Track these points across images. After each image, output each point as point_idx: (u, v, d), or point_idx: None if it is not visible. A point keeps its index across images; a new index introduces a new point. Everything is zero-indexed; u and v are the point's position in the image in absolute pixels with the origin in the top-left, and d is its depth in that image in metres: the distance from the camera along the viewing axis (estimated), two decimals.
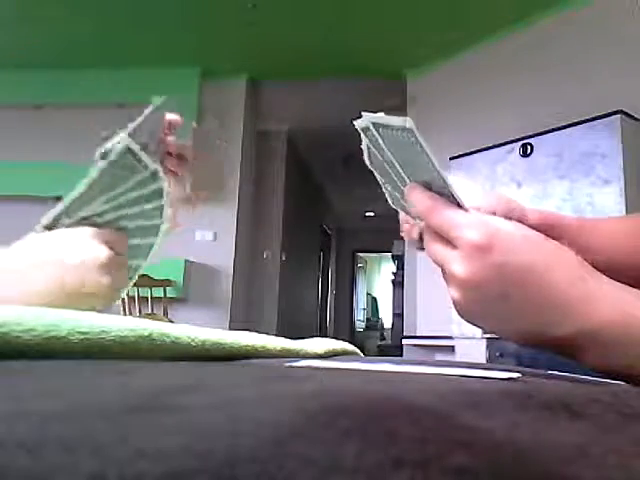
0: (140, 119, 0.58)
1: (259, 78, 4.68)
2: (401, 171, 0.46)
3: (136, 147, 0.54)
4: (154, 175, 0.56)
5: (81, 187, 0.53)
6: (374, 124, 0.43)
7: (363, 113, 0.43)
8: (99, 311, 0.69)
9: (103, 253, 0.53)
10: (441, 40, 3.86)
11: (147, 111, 0.59)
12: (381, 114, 0.42)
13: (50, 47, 4.15)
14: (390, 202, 0.52)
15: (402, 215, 0.54)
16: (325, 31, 3.91)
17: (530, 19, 3.52)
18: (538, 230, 0.44)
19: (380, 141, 0.44)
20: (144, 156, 0.55)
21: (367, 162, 0.48)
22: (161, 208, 0.58)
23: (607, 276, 0.41)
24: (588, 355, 0.39)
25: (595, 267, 0.41)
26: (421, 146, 0.41)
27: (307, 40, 4.06)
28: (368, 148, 0.47)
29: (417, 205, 0.44)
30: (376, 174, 0.49)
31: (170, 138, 0.64)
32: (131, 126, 0.56)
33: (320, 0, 3.55)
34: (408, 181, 0.46)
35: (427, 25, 3.74)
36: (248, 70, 4.53)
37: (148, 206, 0.57)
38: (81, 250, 0.53)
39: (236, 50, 4.22)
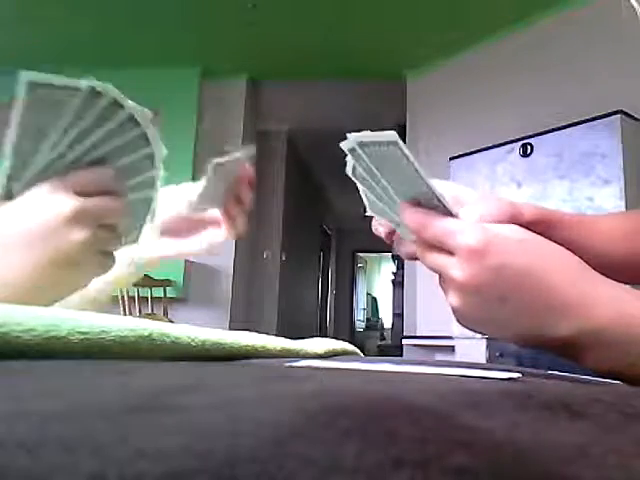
0: (227, 159, 0.57)
1: (259, 78, 4.68)
2: (388, 187, 0.46)
3: (59, 81, 0.44)
4: (131, 118, 0.48)
5: (6, 142, 0.45)
6: (360, 143, 0.43)
7: (348, 135, 0.43)
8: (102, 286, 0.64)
9: (65, 205, 0.45)
10: (441, 40, 3.86)
11: (234, 156, 0.58)
12: (366, 132, 0.42)
13: (50, 47, 4.14)
14: (368, 208, 0.52)
15: (375, 221, 0.55)
16: (325, 31, 3.91)
17: (530, 19, 3.52)
18: (535, 227, 0.44)
19: (367, 160, 0.45)
20: (114, 92, 0.47)
21: (349, 173, 0.48)
22: (151, 156, 0.50)
23: (606, 274, 0.41)
24: (588, 356, 0.39)
25: (594, 265, 0.41)
26: (408, 159, 0.41)
27: (307, 40, 4.06)
28: (354, 167, 0.47)
29: (409, 223, 0.45)
30: (357, 183, 0.49)
31: (243, 189, 0.61)
32: (217, 161, 0.55)
33: (320, 0, 3.55)
34: (395, 196, 0.47)
35: (427, 25, 3.74)
36: (248, 70, 4.53)
37: (135, 156, 0.50)
38: (40, 212, 0.45)
39: (236, 50, 4.22)
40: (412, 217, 0.45)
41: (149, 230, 0.55)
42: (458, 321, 0.44)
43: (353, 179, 0.49)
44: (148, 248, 0.64)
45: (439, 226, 0.43)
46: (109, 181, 0.48)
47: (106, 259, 0.49)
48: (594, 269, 0.41)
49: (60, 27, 3.89)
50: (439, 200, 0.43)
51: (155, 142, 0.50)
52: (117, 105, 0.47)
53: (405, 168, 0.42)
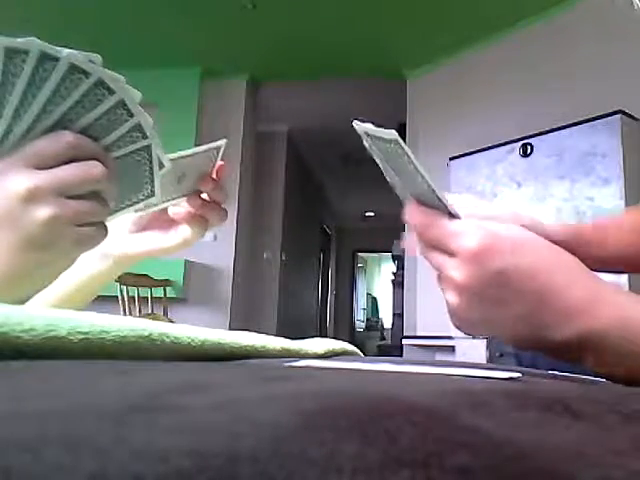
0: (195, 150, 0.54)
1: (259, 78, 4.68)
2: (396, 178, 0.47)
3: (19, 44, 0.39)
4: (101, 83, 0.43)
5: None
6: (366, 133, 0.43)
7: (355, 122, 0.43)
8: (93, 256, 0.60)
9: (19, 183, 0.41)
10: (441, 40, 3.86)
11: (204, 147, 0.55)
12: (369, 125, 0.42)
13: None
14: (397, 192, 0.52)
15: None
16: (325, 31, 3.91)
17: (530, 19, 3.52)
18: (564, 246, 0.43)
19: (375, 149, 0.45)
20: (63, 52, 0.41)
21: (367, 148, 0.47)
22: (122, 104, 0.45)
23: (624, 272, 0.41)
24: (588, 358, 0.39)
25: (611, 264, 0.41)
26: (409, 158, 0.41)
27: (307, 40, 4.06)
28: (370, 148, 0.47)
29: (412, 222, 0.45)
30: (375, 157, 0.49)
31: (203, 183, 0.58)
32: (182, 153, 0.53)
33: (320, 0, 3.55)
34: (403, 186, 0.47)
35: (427, 25, 3.74)
36: (248, 70, 4.53)
37: (101, 107, 0.44)
38: None
39: (236, 50, 4.22)
40: (415, 216, 0.45)
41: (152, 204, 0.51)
42: (454, 323, 0.44)
43: (370, 152, 0.48)
44: (122, 243, 0.63)
45: (440, 227, 0.43)
46: (70, 145, 0.43)
47: (87, 233, 0.44)
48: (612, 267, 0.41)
49: (60, 27, 3.89)
50: (440, 200, 0.43)
51: (119, 88, 0.44)
52: (79, 71, 0.42)
53: (406, 166, 0.42)
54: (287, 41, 4.08)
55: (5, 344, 0.26)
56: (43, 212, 0.41)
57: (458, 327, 0.44)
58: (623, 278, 2.48)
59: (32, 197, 0.41)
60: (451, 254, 0.42)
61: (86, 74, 0.43)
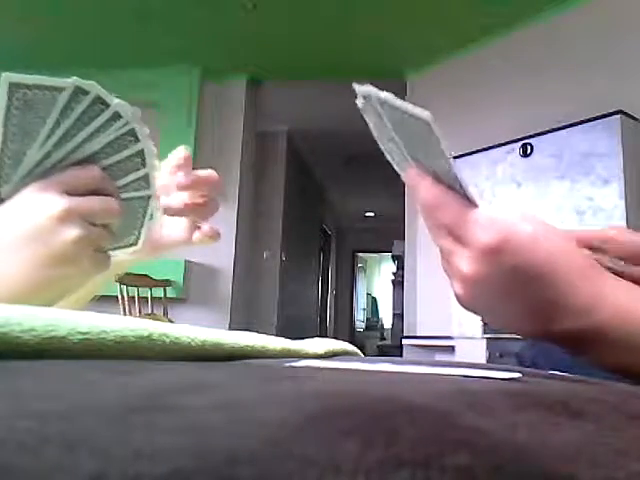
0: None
1: (259, 78, 4.68)
2: (403, 149, 0.44)
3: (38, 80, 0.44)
4: (117, 116, 0.47)
5: None
6: (380, 101, 0.40)
7: (368, 87, 0.41)
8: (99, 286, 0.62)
9: (54, 205, 0.45)
10: (441, 40, 3.86)
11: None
12: (389, 94, 0.39)
13: (51, 48, 4.14)
14: (387, 157, 0.49)
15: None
16: (325, 31, 3.91)
17: (530, 19, 3.52)
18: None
19: (384, 115, 0.42)
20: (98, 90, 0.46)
21: (359, 106, 0.44)
22: (141, 153, 0.49)
23: None
24: (593, 351, 0.39)
25: None
26: (437, 140, 0.38)
27: (307, 40, 4.06)
28: (364, 110, 0.44)
29: (425, 196, 0.42)
30: (367, 118, 0.46)
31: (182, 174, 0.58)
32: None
33: (320, 0, 3.55)
34: (409, 159, 0.44)
35: (427, 25, 3.74)
36: (248, 70, 4.53)
37: (124, 153, 0.49)
38: (30, 213, 0.46)
39: (236, 50, 4.22)
40: (429, 190, 0.42)
41: (149, 230, 0.53)
42: (460, 304, 0.44)
43: (363, 115, 0.45)
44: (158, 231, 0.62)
45: (457, 211, 0.41)
46: (97, 179, 0.48)
47: (101, 258, 0.50)
48: None
49: (61, 28, 3.89)
50: (460, 183, 0.40)
51: (144, 138, 0.49)
52: (102, 103, 0.46)
53: (430, 146, 0.39)
54: (287, 41, 4.08)
55: (5, 344, 0.26)
56: (73, 232, 0.46)
57: (464, 308, 0.44)
58: None
59: (65, 218, 0.45)
60: (464, 243, 0.41)
61: (122, 120, 0.48)
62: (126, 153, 0.49)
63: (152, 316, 3.52)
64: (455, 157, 3.38)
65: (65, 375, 0.23)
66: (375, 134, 0.47)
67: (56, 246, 0.45)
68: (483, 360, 2.86)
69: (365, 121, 0.47)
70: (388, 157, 0.49)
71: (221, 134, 4.46)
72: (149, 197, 0.52)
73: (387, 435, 0.15)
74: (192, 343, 0.36)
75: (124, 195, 0.51)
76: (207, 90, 4.46)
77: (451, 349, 3.29)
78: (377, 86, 0.41)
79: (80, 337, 0.29)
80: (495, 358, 2.84)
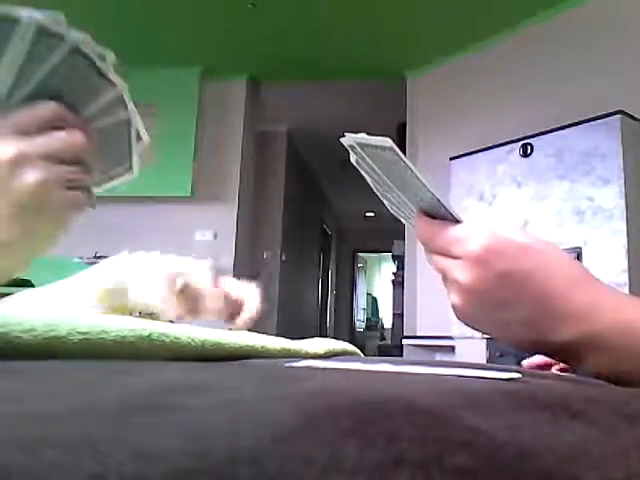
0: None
1: (259, 78, 4.68)
2: (393, 187, 0.46)
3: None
4: (77, 51, 0.43)
5: None
6: (359, 144, 0.43)
7: (346, 134, 0.43)
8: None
9: (5, 149, 0.41)
10: (441, 40, 3.86)
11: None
12: (363, 134, 0.42)
13: None
14: (390, 209, 0.52)
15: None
16: (325, 31, 3.91)
17: (530, 19, 3.52)
18: None
19: (368, 160, 0.44)
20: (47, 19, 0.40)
21: (353, 162, 0.47)
22: (103, 76, 0.45)
23: None
24: (588, 361, 0.40)
25: None
26: (405, 163, 0.41)
27: (307, 40, 4.06)
28: (358, 163, 0.47)
29: (418, 235, 0.46)
30: (362, 172, 0.48)
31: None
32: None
33: (320, 0, 3.55)
34: (402, 195, 0.47)
35: (427, 25, 3.74)
36: (248, 70, 4.53)
37: (100, 99, 0.45)
38: None
39: (236, 50, 4.22)
40: (420, 228, 0.45)
41: (140, 155, 0.51)
42: (458, 318, 0.45)
43: (358, 168, 0.48)
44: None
45: (445, 235, 0.43)
46: (55, 114, 0.43)
47: (74, 197, 0.45)
48: None
49: None
50: (441, 204, 0.43)
51: (100, 63, 0.44)
52: (57, 37, 0.42)
53: (404, 172, 0.42)
54: (287, 41, 4.08)
55: (5, 344, 0.26)
56: (32, 176, 0.41)
57: (460, 320, 0.45)
58: (623, 277, 2.48)
59: (20, 162, 0.41)
60: (456, 257, 0.42)
61: (59, 37, 0.42)
62: (88, 82, 0.44)
63: (152, 316, 3.52)
64: (455, 157, 3.39)
65: (65, 375, 0.23)
66: (374, 188, 0.50)
67: (16, 194, 0.41)
68: (483, 360, 2.86)
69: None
70: (392, 211, 0.52)
71: (221, 134, 4.45)
72: (128, 120, 0.48)
73: (387, 435, 0.15)
74: (192, 343, 0.36)
75: (99, 124, 0.47)
76: (207, 90, 4.46)
77: (451, 349, 3.29)
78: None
79: (80, 337, 0.29)
80: (495, 358, 2.84)
